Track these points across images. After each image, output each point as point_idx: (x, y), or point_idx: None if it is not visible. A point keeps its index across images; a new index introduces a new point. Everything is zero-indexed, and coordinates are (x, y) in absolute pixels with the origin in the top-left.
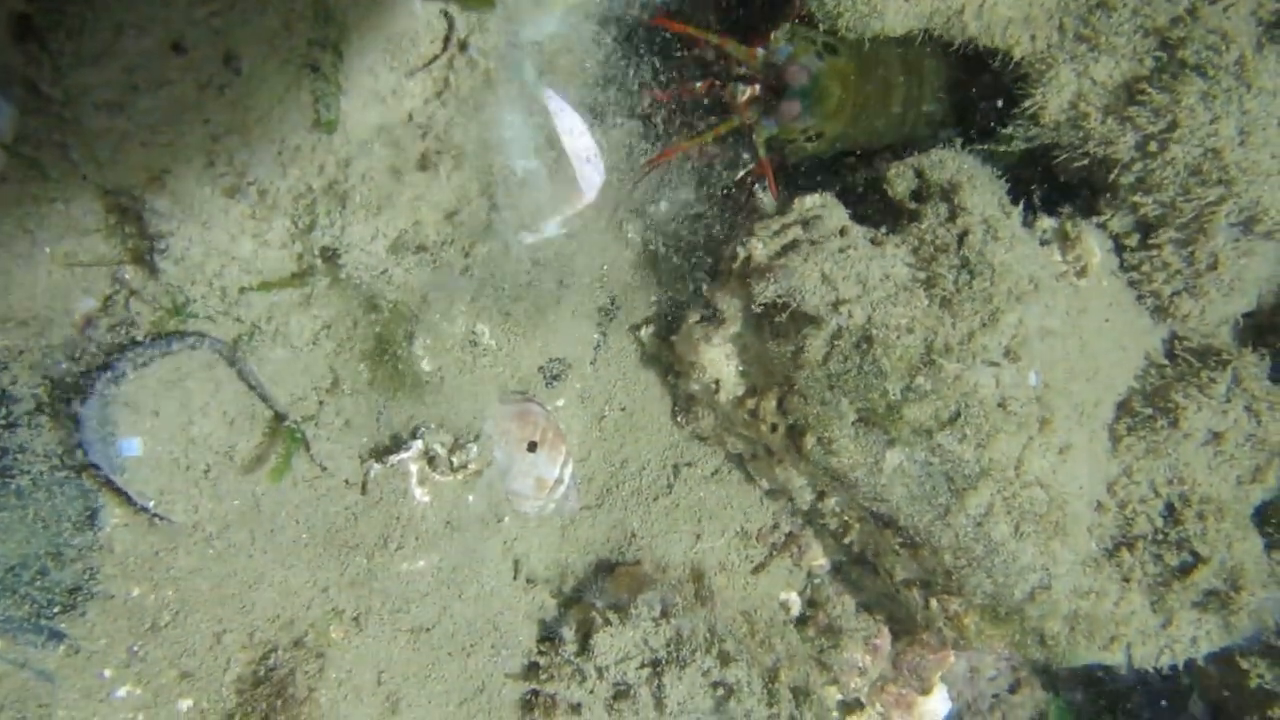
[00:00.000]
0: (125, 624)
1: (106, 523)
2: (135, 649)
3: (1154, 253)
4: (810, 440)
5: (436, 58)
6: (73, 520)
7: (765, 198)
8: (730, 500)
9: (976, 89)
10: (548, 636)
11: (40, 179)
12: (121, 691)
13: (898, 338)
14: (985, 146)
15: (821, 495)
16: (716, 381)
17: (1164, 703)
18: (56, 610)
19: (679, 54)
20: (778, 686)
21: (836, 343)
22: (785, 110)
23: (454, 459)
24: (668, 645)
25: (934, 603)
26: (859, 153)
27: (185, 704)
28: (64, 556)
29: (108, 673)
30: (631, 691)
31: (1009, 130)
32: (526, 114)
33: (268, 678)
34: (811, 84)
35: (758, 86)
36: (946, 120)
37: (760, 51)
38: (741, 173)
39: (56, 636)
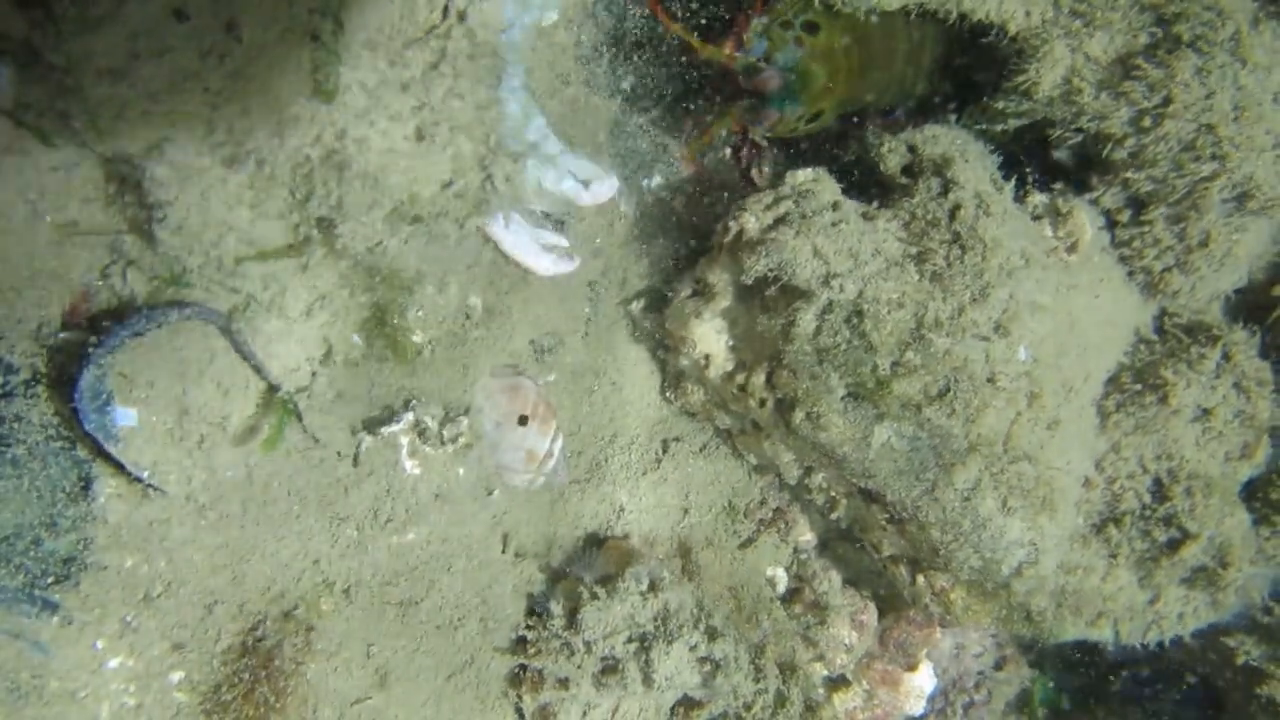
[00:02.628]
0: (119, 595)
1: (101, 493)
2: (129, 620)
3: (1145, 228)
4: (799, 415)
5: (435, 27)
6: (67, 490)
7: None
8: (718, 475)
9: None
10: (536, 610)
11: (41, 147)
12: (114, 663)
13: (888, 312)
14: (980, 112)
15: (809, 470)
16: (706, 356)
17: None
18: (50, 581)
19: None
20: (764, 662)
21: (827, 317)
22: (766, 118)
23: (445, 432)
24: (655, 620)
25: (921, 579)
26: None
27: (177, 676)
28: (58, 527)
29: (101, 644)
30: (619, 666)
31: (1000, 105)
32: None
33: (254, 649)
34: (789, 81)
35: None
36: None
37: (739, 54)
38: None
39: (50, 607)
